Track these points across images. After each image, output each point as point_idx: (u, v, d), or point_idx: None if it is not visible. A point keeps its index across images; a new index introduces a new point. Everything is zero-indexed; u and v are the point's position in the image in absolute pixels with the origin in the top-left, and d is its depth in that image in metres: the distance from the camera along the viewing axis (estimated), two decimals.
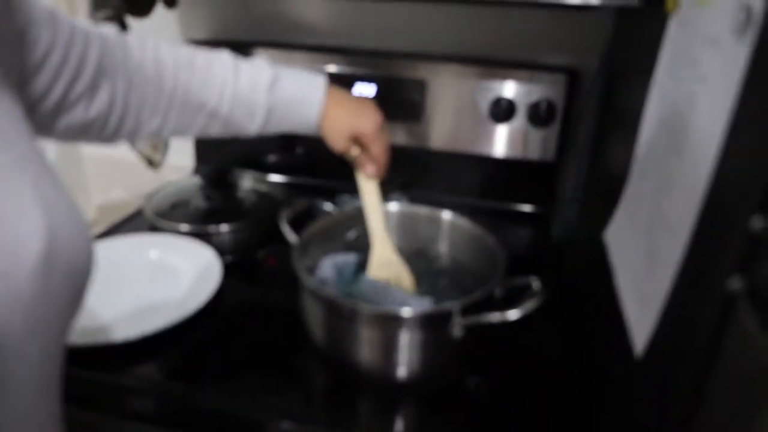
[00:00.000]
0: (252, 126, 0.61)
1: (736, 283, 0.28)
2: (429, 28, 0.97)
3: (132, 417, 0.61)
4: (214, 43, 1.01)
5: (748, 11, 0.31)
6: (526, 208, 0.98)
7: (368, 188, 0.68)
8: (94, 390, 0.61)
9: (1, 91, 0.38)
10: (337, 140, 0.64)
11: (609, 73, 0.78)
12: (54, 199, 0.36)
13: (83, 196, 0.90)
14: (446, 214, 0.73)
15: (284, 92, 0.61)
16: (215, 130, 0.61)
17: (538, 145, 0.92)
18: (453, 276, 0.70)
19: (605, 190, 0.65)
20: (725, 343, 0.29)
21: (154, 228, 0.87)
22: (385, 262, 0.68)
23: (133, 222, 0.92)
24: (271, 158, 1.07)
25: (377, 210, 0.68)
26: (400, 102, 0.94)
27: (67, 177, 0.85)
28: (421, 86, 0.93)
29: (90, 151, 1.00)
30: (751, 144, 0.30)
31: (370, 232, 0.68)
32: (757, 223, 0.27)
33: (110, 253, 0.79)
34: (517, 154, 0.93)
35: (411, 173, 0.96)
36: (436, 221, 0.74)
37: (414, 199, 0.81)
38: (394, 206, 0.75)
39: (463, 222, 0.71)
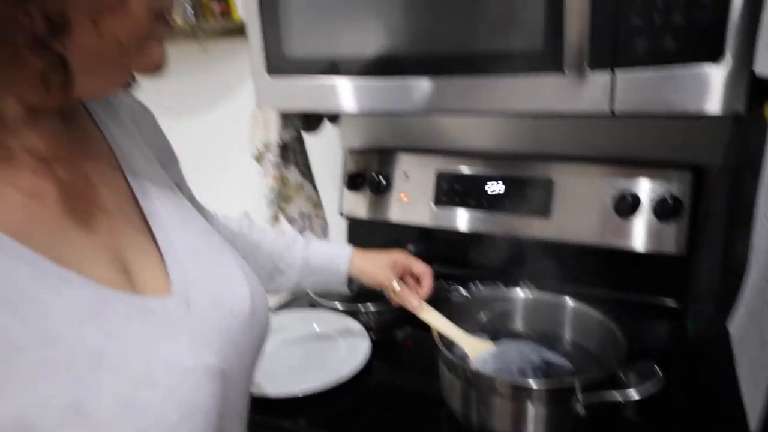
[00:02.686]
0: (286, 281, 0.76)
1: None
2: (555, 132, 1.07)
3: None
4: (365, 149, 1.21)
5: None
6: (655, 300, 0.99)
7: (424, 317, 0.75)
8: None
9: (181, 197, 0.53)
10: (377, 274, 0.76)
11: (732, 170, 0.81)
12: (249, 272, 0.50)
13: None
14: (570, 301, 0.79)
15: (317, 248, 0.76)
16: None
17: (666, 240, 0.95)
18: (575, 360, 0.75)
19: (737, 283, 0.67)
20: None
21: (313, 304, 1.04)
22: (478, 348, 0.74)
23: (298, 300, 1.10)
24: (412, 249, 1.21)
25: (444, 326, 0.74)
26: (527, 199, 1.03)
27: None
28: (547, 185, 1.02)
29: None
30: None
31: (455, 341, 0.74)
32: None
33: (281, 323, 0.96)
34: (644, 247, 0.97)
35: (538, 265, 1.03)
36: (560, 307, 0.80)
37: (540, 288, 0.88)
38: (520, 293, 0.83)
39: (586, 308, 0.77)
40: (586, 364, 0.73)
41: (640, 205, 0.96)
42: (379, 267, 0.77)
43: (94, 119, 0.47)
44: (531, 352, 0.74)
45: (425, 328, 0.75)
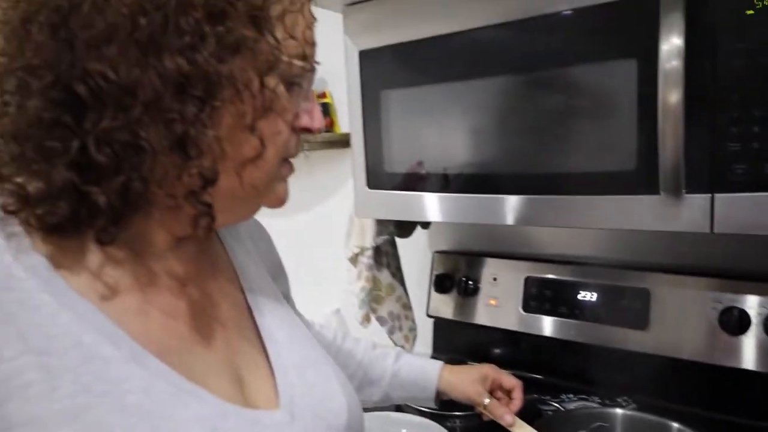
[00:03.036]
0: (375, 393, 0.77)
1: None
2: (650, 242, 1.05)
3: None
4: (453, 252, 1.25)
5: None
6: (763, 424, 0.90)
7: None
8: None
9: (289, 309, 0.57)
10: (468, 388, 0.76)
11: None
12: (346, 383, 0.53)
13: None
14: (675, 425, 0.74)
15: (407, 361, 0.78)
16: None
17: None
18: None
19: None
20: None
21: (399, 408, 1.04)
22: None
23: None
24: (499, 352, 1.20)
25: None
26: (622, 309, 1.01)
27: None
28: (644, 295, 0.99)
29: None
30: None
31: None
32: None
33: (369, 426, 0.96)
34: (756, 366, 0.90)
35: (634, 379, 0.98)
36: (664, 430, 0.75)
37: (640, 406, 0.84)
38: (619, 411, 0.80)
39: None
40: None
41: (749, 321, 0.90)
42: (469, 381, 0.77)
43: (219, 237, 0.54)
44: None
45: None
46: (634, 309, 0.99)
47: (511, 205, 0.81)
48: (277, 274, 0.63)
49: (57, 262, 0.38)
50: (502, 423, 0.75)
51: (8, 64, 0.36)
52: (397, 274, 1.19)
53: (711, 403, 0.93)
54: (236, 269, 0.53)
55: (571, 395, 0.99)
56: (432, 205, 0.89)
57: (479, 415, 0.94)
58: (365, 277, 1.12)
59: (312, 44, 0.44)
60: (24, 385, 0.33)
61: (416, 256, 1.30)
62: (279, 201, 0.47)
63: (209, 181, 0.39)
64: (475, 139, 0.83)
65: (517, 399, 0.77)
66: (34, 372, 0.34)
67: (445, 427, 0.95)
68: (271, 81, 0.40)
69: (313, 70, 0.45)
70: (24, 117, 0.36)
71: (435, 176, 0.88)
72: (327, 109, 1.36)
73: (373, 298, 1.14)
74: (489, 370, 0.79)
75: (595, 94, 0.72)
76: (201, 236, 0.43)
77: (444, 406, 0.99)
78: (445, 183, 0.87)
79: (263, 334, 0.50)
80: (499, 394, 0.79)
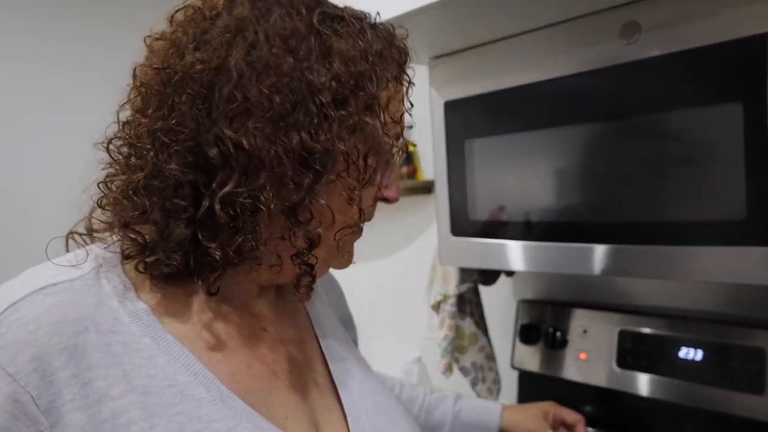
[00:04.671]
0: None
1: None
2: (763, 294, 0.96)
3: None
4: (539, 302, 1.20)
5: None
6: None
7: None
8: None
9: (361, 356, 0.58)
10: (531, 424, 0.76)
11: None
12: (414, 426, 0.53)
13: None
14: None
15: (467, 403, 0.78)
16: None
17: None
18: None
19: None
20: None
21: None
22: None
23: None
24: (587, 409, 1.12)
25: None
26: (733, 370, 0.92)
27: None
28: (759, 355, 0.90)
29: (437, 387, 1.24)
30: None
31: None
32: None
33: None
34: None
35: None
36: None
37: None
38: None
39: None
40: None
41: None
42: (532, 417, 0.78)
43: None
44: None
45: None
46: (747, 371, 0.90)
47: (599, 255, 0.77)
48: (348, 324, 0.66)
49: (161, 310, 0.41)
50: None
51: (149, 124, 0.40)
52: (481, 323, 1.16)
53: None
54: (311, 317, 0.56)
55: None
56: (516, 253, 0.87)
57: None
58: (448, 326, 1.11)
59: (404, 125, 0.49)
60: (127, 423, 0.36)
61: (500, 305, 1.27)
62: (346, 263, 0.51)
63: (314, 244, 0.43)
64: (561, 187, 0.81)
65: None
66: (136, 411, 0.36)
67: None
68: (373, 158, 0.44)
69: (406, 149, 0.50)
70: (159, 174, 0.39)
71: (518, 224, 0.86)
72: (410, 157, 1.39)
73: (455, 348, 1.12)
74: (550, 405, 0.81)
75: (694, 140, 0.69)
76: (303, 295, 0.46)
77: None
78: (529, 230, 0.85)
79: (337, 380, 0.51)
80: (562, 430, 0.81)
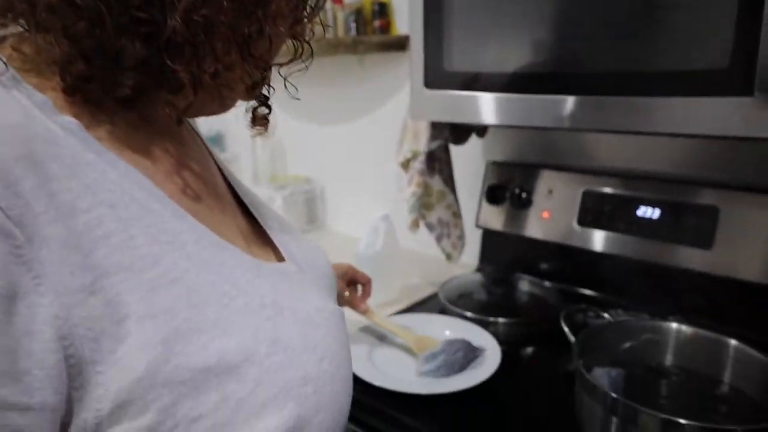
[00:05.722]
0: None
1: None
2: (722, 155, 0.97)
3: None
4: (508, 163, 1.21)
5: None
6: None
7: (371, 318, 0.91)
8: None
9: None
10: None
11: None
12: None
13: (391, 279, 1.15)
14: (732, 341, 0.72)
15: None
16: None
17: None
18: (734, 405, 0.69)
19: None
20: None
21: (443, 311, 1.05)
22: (421, 341, 0.90)
23: (428, 303, 1.13)
24: (547, 266, 1.18)
25: (390, 325, 0.93)
26: (687, 227, 0.96)
27: (386, 265, 1.12)
28: (712, 213, 0.94)
29: (404, 245, 1.27)
30: None
31: (401, 337, 0.92)
32: None
33: (417, 322, 0.99)
34: None
35: (692, 299, 0.96)
36: (720, 347, 0.73)
37: (699, 326, 0.81)
38: (673, 326, 0.78)
39: (751, 351, 0.70)
40: (747, 411, 0.67)
41: None
42: None
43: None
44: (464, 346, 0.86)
45: (552, 345, 0.75)
46: (699, 227, 0.94)
47: (574, 106, 0.75)
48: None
49: (84, 125, 0.37)
50: (358, 311, 0.91)
51: None
52: (449, 181, 1.17)
53: None
54: (213, 155, 0.56)
55: (621, 311, 0.97)
56: (489, 106, 0.84)
57: (517, 320, 0.98)
58: (416, 182, 1.11)
59: None
60: (105, 235, 0.34)
61: (470, 166, 1.27)
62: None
63: (266, 78, 0.44)
64: (538, 36, 0.77)
65: (368, 291, 0.91)
66: (111, 223, 0.35)
67: (487, 330, 0.96)
68: None
69: None
70: None
71: (493, 75, 0.82)
72: (384, 9, 1.29)
73: (423, 204, 1.13)
74: (348, 267, 0.89)
75: None
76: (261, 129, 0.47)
77: (486, 311, 1.01)
78: (505, 82, 0.82)
79: (246, 201, 0.53)
80: (356, 287, 0.92)
